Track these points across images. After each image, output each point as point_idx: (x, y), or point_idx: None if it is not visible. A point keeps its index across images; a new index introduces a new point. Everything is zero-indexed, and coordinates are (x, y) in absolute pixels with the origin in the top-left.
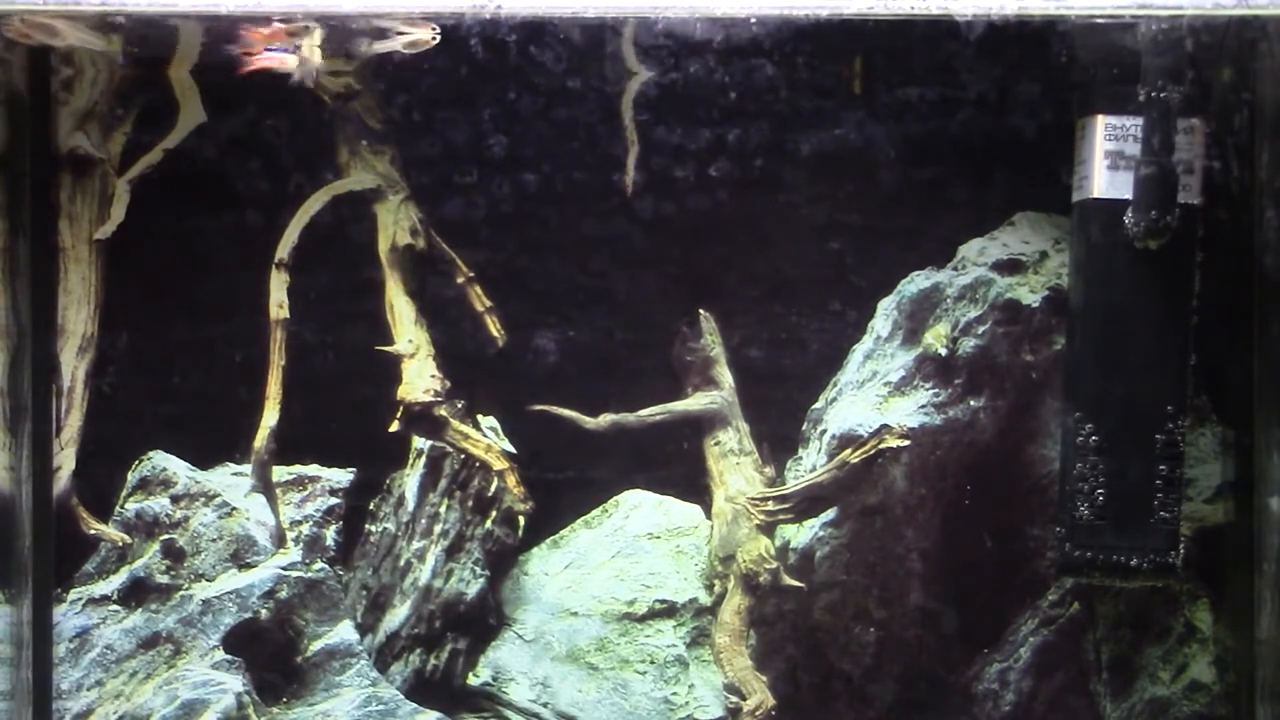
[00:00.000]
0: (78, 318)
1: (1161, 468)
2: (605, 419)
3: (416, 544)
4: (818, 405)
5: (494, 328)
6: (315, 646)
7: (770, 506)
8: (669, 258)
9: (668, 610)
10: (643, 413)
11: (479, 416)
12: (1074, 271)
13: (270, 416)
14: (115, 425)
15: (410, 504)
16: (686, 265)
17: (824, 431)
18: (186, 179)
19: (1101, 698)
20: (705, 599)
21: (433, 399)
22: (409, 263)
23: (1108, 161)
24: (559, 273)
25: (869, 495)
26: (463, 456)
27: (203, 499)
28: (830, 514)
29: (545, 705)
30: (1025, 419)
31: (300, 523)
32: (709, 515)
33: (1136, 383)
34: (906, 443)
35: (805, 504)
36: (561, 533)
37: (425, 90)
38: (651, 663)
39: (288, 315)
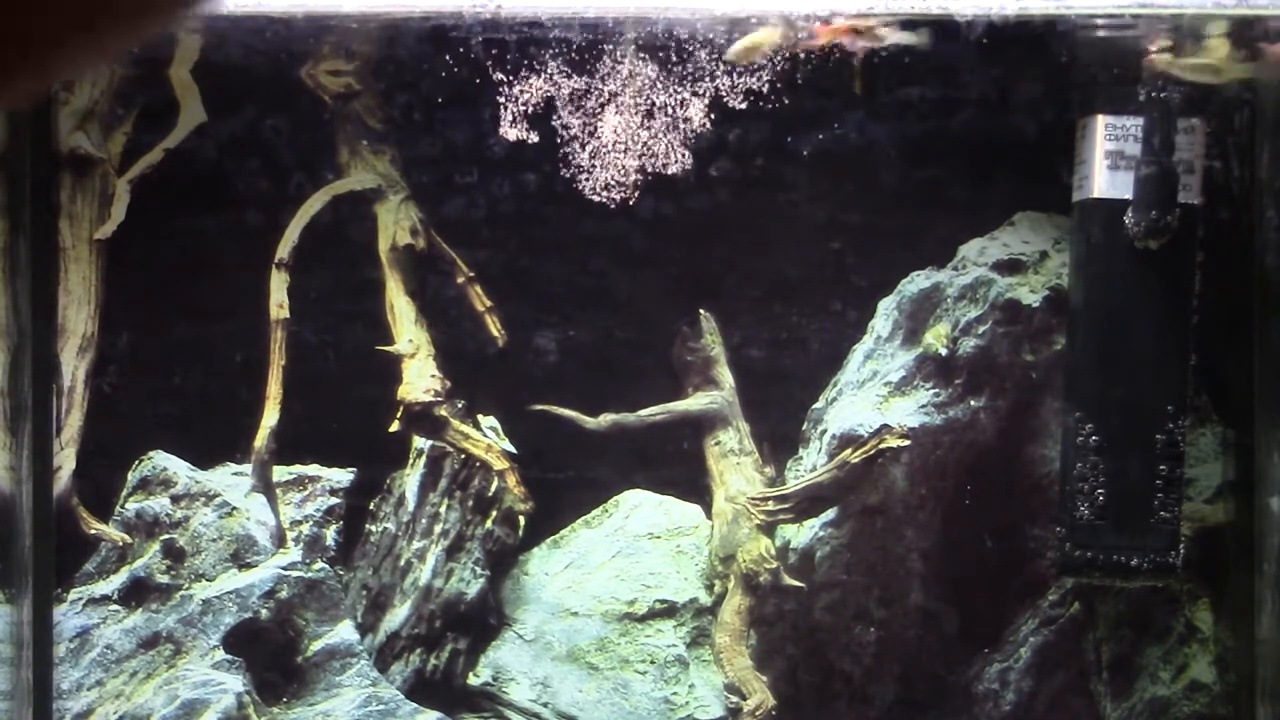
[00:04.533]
0: (78, 318)
1: (1161, 468)
2: (605, 419)
3: (417, 544)
4: (818, 405)
5: (494, 328)
6: (315, 646)
7: (770, 506)
8: (669, 258)
9: (668, 610)
10: (643, 413)
11: (479, 416)
12: (1074, 271)
13: (270, 416)
14: (115, 425)
15: (410, 504)
16: (686, 265)
17: (824, 431)
18: (186, 179)
19: (1101, 698)
20: (705, 599)
21: (433, 399)
22: (409, 263)
23: (1108, 161)
24: (559, 273)
25: (869, 495)
26: (463, 456)
27: (203, 499)
28: (830, 514)
29: (545, 705)
30: (1025, 419)
31: (300, 523)
32: (709, 515)
33: (1136, 383)
34: (907, 443)
35: (805, 504)
36: (562, 533)
37: (425, 90)
38: (652, 663)
39: (288, 315)
